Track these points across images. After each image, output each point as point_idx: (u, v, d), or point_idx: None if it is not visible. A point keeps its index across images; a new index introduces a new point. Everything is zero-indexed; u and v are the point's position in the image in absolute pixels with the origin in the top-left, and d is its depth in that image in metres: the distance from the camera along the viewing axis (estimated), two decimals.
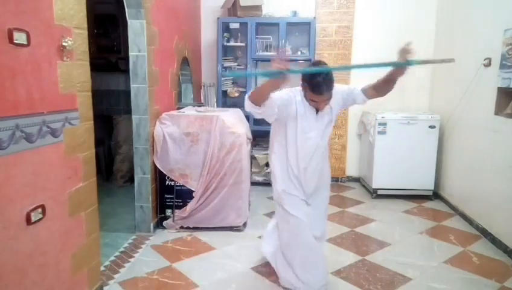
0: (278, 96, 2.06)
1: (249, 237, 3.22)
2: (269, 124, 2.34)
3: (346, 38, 4.74)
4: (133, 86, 3.04)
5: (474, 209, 3.52)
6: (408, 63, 1.78)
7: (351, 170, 5.02)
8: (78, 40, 1.99)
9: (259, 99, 1.92)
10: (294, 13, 4.63)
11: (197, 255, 2.87)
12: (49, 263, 1.81)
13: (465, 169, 3.74)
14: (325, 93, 2.00)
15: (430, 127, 4.16)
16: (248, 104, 1.95)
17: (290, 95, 2.16)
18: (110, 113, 4.60)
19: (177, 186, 3.25)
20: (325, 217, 2.54)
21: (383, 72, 1.99)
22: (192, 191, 3.24)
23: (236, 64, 4.72)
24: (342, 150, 4.96)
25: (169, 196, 3.28)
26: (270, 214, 3.74)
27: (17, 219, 1.60)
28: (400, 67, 1.85)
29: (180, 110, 3.54)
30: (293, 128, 2.20)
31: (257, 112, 1.98)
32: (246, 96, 1.96)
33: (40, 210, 1.72)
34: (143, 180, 3.16)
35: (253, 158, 4.54)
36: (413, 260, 2.83)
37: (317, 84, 1.97)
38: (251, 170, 4.40)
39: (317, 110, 2.17)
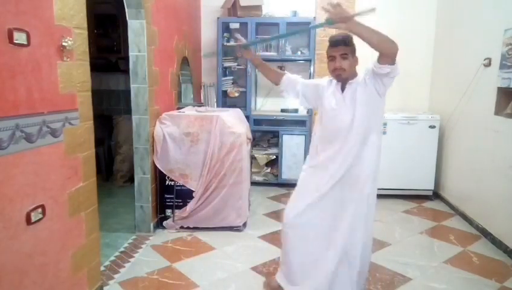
0: (306, 80, 2.25)
1: (249, 237, 3.22)
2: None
3: None
4: (133, 86, 3.04)
5: (474, 209, 3.52)
6: (327, 22, 1.77)
7: None
8: (78, 40, 1.99)
9: (268, 78, 2.29)
10: (294, 13, 4.63)
11: (197, 255, 2.87)
12: (49, 263, 1.81)
13: (465, 169, 3.74)
14: (340, 45, 1.95)
15: (430, 127, 4.16)
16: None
17: (318, 80, 2.24)
18: (110, 113, 4.60)
19: (177, 186, 3.25)
20: (351, 233, 2.05)
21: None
22: (192, 191, 3.24)
23: (236, 64, 4.72)
24: None
25: (169, 196, 3.28)
26: (270, 214, 3.75)
27: (17, 219, 1.60)
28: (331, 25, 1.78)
29: (180, 110, 3.54)
30: (321, 106, 2.11)
31: (280, 90, 2.26)
32: None
33: (40, 210, 1.72)
34: (143, 180, 3.16)
35: (253, 158, 4.54)
36: (413, 260, 2.83)
37: (333, 37, 2.00)
38: (251, 170, 4.40)
39: (342, 89, 2.04)
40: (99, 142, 3.36)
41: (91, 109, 2.16)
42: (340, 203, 2.05)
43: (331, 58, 1.99)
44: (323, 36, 4.73)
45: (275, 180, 4.65)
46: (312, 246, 2.11)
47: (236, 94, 4.74)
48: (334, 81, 2.08)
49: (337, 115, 2.02)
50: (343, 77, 2.01)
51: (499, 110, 3.13)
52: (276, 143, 4.64)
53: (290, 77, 2.23)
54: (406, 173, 4.21)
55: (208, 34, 4.95)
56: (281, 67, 4.88)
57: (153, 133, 3.18)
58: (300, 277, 2.15)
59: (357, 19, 1.73)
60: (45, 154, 1.76)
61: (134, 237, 3.16)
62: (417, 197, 4.27)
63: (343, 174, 2.01)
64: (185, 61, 4.17)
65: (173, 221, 3.29)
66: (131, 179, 3.84)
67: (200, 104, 4.24)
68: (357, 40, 1.89)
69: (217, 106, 4.62)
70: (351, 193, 2.03)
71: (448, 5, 4.33)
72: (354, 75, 2.03)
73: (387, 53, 1.87)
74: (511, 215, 2.92)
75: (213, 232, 3.25)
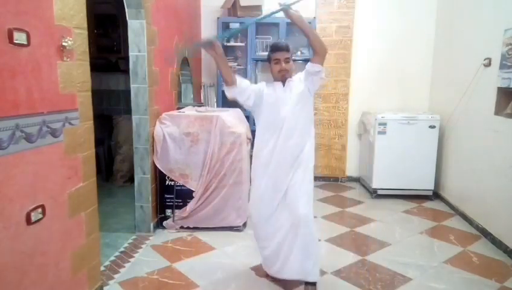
0: (252, 85, 2.40)
1: (249, 237, 3.21)
2: None
3: (346, 38, 4.74)
4: (133, 86, 3.04)
5: (474, 209, 3.52)
6: (282, 8, 2.17)
7: (351, 170, 5.02)
8: (78, 40, 1.99)
9: (224, 77, 2.31)
10: None
11: (197, 255, 2.87)
12: (49, 263, 1.81)
13: (465, 169, 3.74)
14: (283, 49, 2.29)
15: (430, 127, 4.16)
16: (225, 89, 2.35)
17: (259, 84, 2.45)
18: (110, 113, 4.60)
19: (177, 186, 3.25)
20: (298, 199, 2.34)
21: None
22: (192, 191, 3.24)
23: (236, 64, 4.72)
24: (341, 150, 4.96)
25: (169, 196, 3.28)
26: None
27: (17, 218, 1.60)
28: (283, 13, 2.21)
29: (180, 110, 3.54)
30: (264, 105, 2.35)
31: (230, 92, 2.32)
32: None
33: (40, 210, 1.72)
34: (143, 180, 3.16)
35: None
36: (413, 260, 2.83)
37: (274, 43, 2.37)
38: (251, 170, 4.39)
39: (283, 83, 2.36)
40: (99, 142, 3.36)
41: (91, 109, 2.16)
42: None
43: (275, 61, 2.33)
44: (323, 36, 4.73)
45: None
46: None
47: None
48: (273, 83, 2.41)
49: (279, 106, 2.32)
50: (286, 77, 2.36)
51: (499, 110, 3.13)
52: None
53: (243, 81, 2.37)
54: (406, 173, 4.21)
55: (208, 34, 4.94)
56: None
57: (153, 133, 3.18)
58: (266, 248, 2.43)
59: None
60: (45, 154, 1.76)
61: (134, 237, 3.16)
62: (417, 197, 4.27)
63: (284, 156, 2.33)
64: (185, 61, 4.17)
65: (173, 221, 3.29)
66: (131, 179, 3.84)
67: (200, 104, 4.24)
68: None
69: (217, 106, 4.62)
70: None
71: (448, 5, 4.33)
72: (291, 75, 2.40)
73: (319, 50, 2.24)
74: (511, 215, 2.92)
75: (213, 232, 3.25)
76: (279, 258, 2.35)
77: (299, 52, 4.61)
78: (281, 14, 2.27)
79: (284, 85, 2.37)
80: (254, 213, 2.45)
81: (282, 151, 2.30)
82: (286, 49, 2.30)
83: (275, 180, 2.32)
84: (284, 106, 2.31)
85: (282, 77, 2.35)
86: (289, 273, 2.35)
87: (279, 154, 2.30)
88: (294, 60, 2.38)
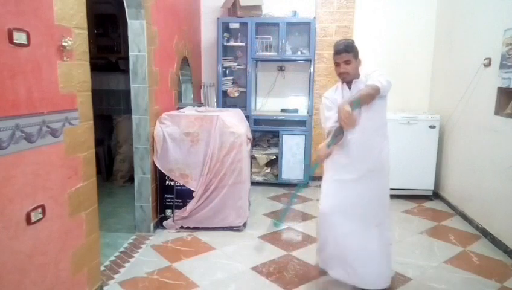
0: (331, 116, 2.32)
1: (249, 237, 3.22)
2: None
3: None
4: (133, 86, 3.04)
5: (474, 209, 3.52)
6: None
7: None
8: (78, 40, 1.99)
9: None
10: (294, 13, 4.63)
11: (197, 255, 2.88)
12: (49, 263, 1.81)
13: (465, 169, 3.74)
14: (343, 53, 2.24)
15: (430, 127, 4.16)
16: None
17: (327, 104, 2.38)
18: (110, 113, 4.60)
19: (177, 186, 3.25)
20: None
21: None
22: (192, 191, 3.24)
23: (236, 64, 4.72)
24: None
25: (169, 196, 3.28)
26: (270, 214, 3.75)
27: (17, 218, 1.60)
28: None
29: (180, 110, 3.54)
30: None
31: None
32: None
33: (40, 210, 1.72)
34: (143, 180, 3.16)
35: (253, 158, 4.55)
36: (413, 260, 2.83)
37: (336, 46, 2.28)
38: (251, 170, 4.40)
39: (349, 88, 2.32)
40: (99, 142, 3.37)
41: (91, 109, 2.16)
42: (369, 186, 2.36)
43: (336, 64, 2.29)
44: (323, 36, 4.74)
45: (275, 180, 4.65)
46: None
47: (236, 94, 4.74)
48: (339, 86, 2.39)
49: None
50: (348, 79, 2.31)
51: (499, 110, 3.13)
52: (276, 143, 4.64)
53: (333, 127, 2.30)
54: (406, 173, 4.21)
55: (208, 34, 4.95)
56: (281, 67, 4.90)
57: (153, 133, 3.18)
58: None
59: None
60: (45, 154, 1.76)
61: (134, 237, 3.16)
62: (417, 197, 4.27)
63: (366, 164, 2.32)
64: (185, 61, 4.17)
65: (173, 221, 3.29)
66: (131, 179, 3.84)
67: (200, 104, 4.24)
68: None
69: (217, 106, 4.62)
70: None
71: (448, 5, 4.33)
72: (357, 75, 2.33)
73: (380, 96, 2.20)
74: (511, 215, 2.92)
75: (213, 232, 3.25)
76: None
77: (299, 52, 4.61)
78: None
79: (350, 88, 2.32)
80: None
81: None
82: (345, 50, 2.24)
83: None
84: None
85: (344, 79, 2.32)
86: None
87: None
88: (349, 62, 2.27)
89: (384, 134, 2.37)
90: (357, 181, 2.31)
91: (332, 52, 2.29)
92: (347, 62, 2.25)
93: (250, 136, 3.66)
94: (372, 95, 2.15)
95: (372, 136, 2.31)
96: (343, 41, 2.28)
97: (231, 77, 4.81)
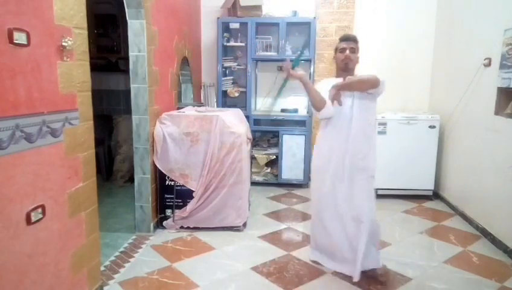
0: (323, 90, 2.39)
1: (249, 237, 3.22)
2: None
3: None
4: (133, 86, 3.04)
5: (474, 209, 3.52)
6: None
7: None
8: (78, 40, 1.99)
9: (315, 104, 2.38)
10: (294, 13, 4.63)
11: (197, 255, 2.87)
12: (49, 263, 1.81)
13: (465, 169, 3.74)
14: (350, 39, 2.43)
15: (430, 127, 4.16)
16: (318, 114, 2.43)
17: (325, 85, 2.46)
18: (110, 113, 4.61)
19: (177, 186, 3.25)
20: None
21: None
22: (192, 191, 3.24)
23: (236, 64, 4.72)
24: None
25: (169, 196, 3.28)
26: (270, 214, 3.75)
27: (17, 218, 1.60)
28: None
29: (180, 110, 3.54)
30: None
31: (324, 114, 2.38)
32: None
33: (40, 210, 1.72)
34: (143, 180, 3.16)
35: (253, 158, 4.55)
36: (413, 260, 2.83)
37: (345, 34, 2.52)
38: (251, 170, 4.40)
39: (344, 79, 2.38)
40: (99, 142, 3.37)
41: (91, 109, 2.15)
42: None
43: (341, 50, 2.43)
44: (322, 36, 4.74)
45: (275, 180, 4.65)
46: None
47: (236, 94, 4.74)
48: (335, 79, 2.47)
49: (345, 106, 2.37)
50: (349, 67, 2.43)
51: (499, 110, 3.13)
52: (276, 143, 4.64)
53: (328, 103, 2.37)
54: (406, 173, 4.21)
55: (208, 34, 4.95)
56: (281, 68, 4.90)
57: (153, 133, 3.18)
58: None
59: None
60: (45, 154, 1.76)
61: (134, 237, 3.16)
62: (417, 197, 4.27)
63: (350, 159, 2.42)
64: (185, 61, 4.17)
65: (173, 221, 3.29)
66: (131, 179, 3.84)
67: (200, 104, 4.24)
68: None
69: (217, 106, 4.62)
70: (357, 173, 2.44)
71: (448, 5, 4.33)
72: (353, 71, 2.46)
73: (373, 87, 2.29)
74: (511, 215, 2.92)
75: (213, 232, 3.25)
76: None
77: (299, 52, 4.60)
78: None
79: (344, 80, 2.37)
80: None
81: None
82: (354, 39, 2.43)
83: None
84: (346, 100, 2.36)
85: (345, 66, 2.42)
86: None
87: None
88: (354, 50, 2.45)
89: (371, 136, 2.46)
90: (341, 181, 2.45)
91: (338, 41, 2.46)
92: (352, 50, 2.40)
93: (250, 136, 3.66)
94: (371, 82, 2.26)
95: (357, 136, 2.39)
96: (351, 34, 2.52)
97: (231, 77, 4.81)
